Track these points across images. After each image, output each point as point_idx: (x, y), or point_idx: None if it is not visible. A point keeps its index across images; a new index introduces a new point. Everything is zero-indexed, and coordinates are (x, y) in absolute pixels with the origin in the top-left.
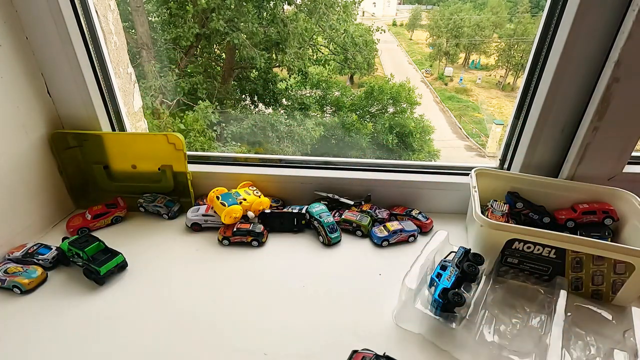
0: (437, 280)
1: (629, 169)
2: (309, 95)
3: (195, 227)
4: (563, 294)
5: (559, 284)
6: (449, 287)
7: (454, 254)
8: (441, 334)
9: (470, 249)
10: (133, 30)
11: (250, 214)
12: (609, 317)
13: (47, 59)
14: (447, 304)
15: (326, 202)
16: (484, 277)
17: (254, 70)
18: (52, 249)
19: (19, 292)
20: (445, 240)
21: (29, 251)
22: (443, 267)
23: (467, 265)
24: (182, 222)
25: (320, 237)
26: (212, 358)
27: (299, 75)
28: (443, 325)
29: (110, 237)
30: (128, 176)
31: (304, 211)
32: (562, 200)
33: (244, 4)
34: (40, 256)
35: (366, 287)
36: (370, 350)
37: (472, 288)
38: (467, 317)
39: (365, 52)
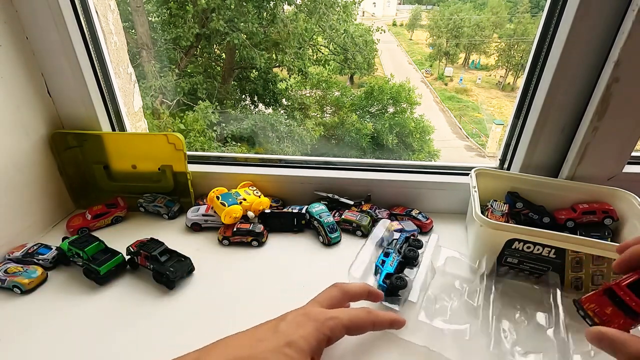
0: (381, 267)
1: (629, 169)
2: (309, 95)
3: (195, 227)
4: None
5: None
6: (392, 272)
7: (396, 240)
8: None
9: (411, 236)
10: (133, 30)
11: (250, 214)
12: None
13: (47, 59)
14: (392, 288)
15: (326, 202)
16: (427, 261)
17: (254, 70)
18: (52, 248)
19: (19, 292)
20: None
21: (29, 251)
22: (386, 254)
23: (408, 250)
24: (182, 222)
25: (320, 237)
26: None
27: (299, 75)
28: (389, 309)
29: (110, 237)
30: (128, 176)
31: (304, 211)
32: (562, 200)
33: (244, 4)
34: (40, 256)
35: None
36: None
37: (414, 271)
38: (409, 299)
39: (365, 52)
